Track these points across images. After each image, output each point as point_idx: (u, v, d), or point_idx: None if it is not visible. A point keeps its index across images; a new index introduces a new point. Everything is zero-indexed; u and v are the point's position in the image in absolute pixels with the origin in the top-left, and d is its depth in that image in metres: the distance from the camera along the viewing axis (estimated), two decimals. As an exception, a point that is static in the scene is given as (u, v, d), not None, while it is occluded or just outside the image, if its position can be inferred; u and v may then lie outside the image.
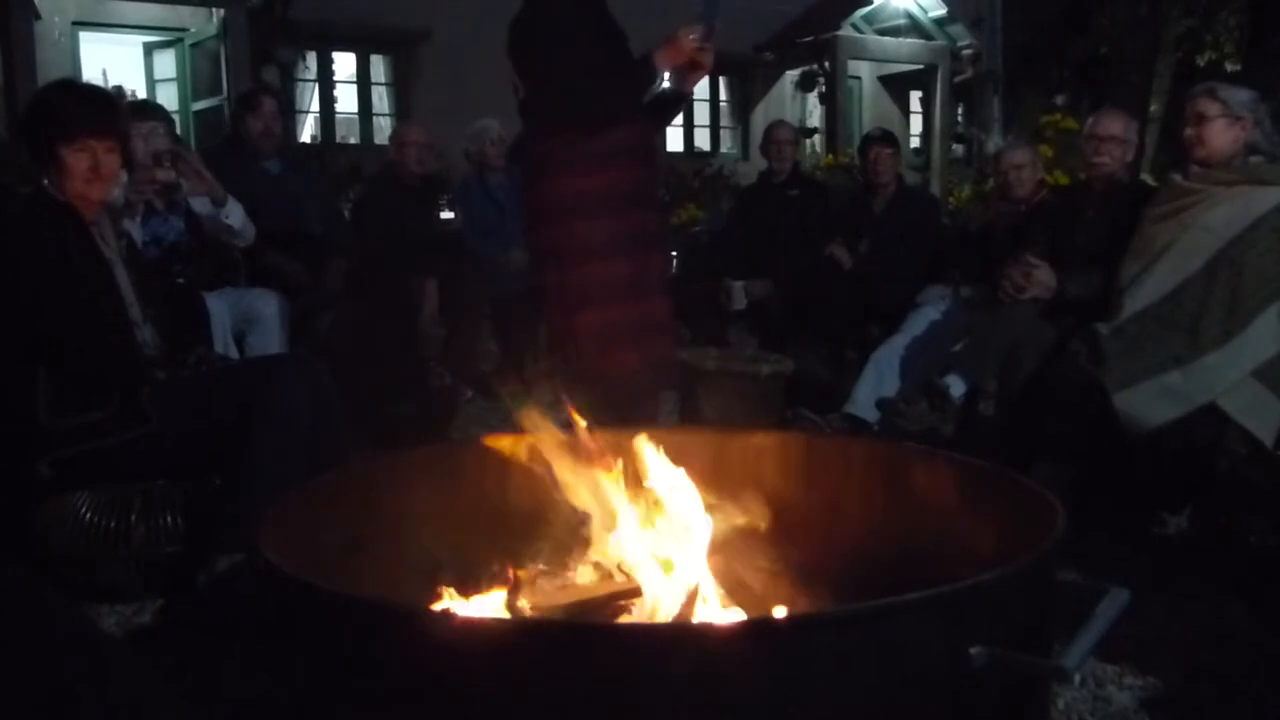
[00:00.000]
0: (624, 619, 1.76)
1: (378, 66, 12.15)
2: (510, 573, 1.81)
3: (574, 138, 3.08)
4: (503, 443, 2.21)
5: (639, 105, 3.13)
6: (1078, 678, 2.18)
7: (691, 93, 3.33)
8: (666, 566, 1.81)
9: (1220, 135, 3.15)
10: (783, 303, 5.30)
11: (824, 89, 13.82)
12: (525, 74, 3.13)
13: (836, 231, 5.26)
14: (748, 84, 14.29)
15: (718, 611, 1.76)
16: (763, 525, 1.97)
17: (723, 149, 14.18)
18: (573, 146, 3.08)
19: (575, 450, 1.98)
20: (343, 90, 11.98)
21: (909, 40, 14.42)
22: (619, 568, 1.90)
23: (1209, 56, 14.76)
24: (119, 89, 8.15)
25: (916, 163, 13.33)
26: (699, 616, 1.72)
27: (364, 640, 1.42)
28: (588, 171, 3.07)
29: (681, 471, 1.91)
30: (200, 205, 3.94)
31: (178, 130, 10.34)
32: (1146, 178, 6.55)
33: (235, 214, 3.99)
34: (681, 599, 1.74)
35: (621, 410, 2.87)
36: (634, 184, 3.14)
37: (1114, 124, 3.74)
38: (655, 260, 3.25)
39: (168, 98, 10.70)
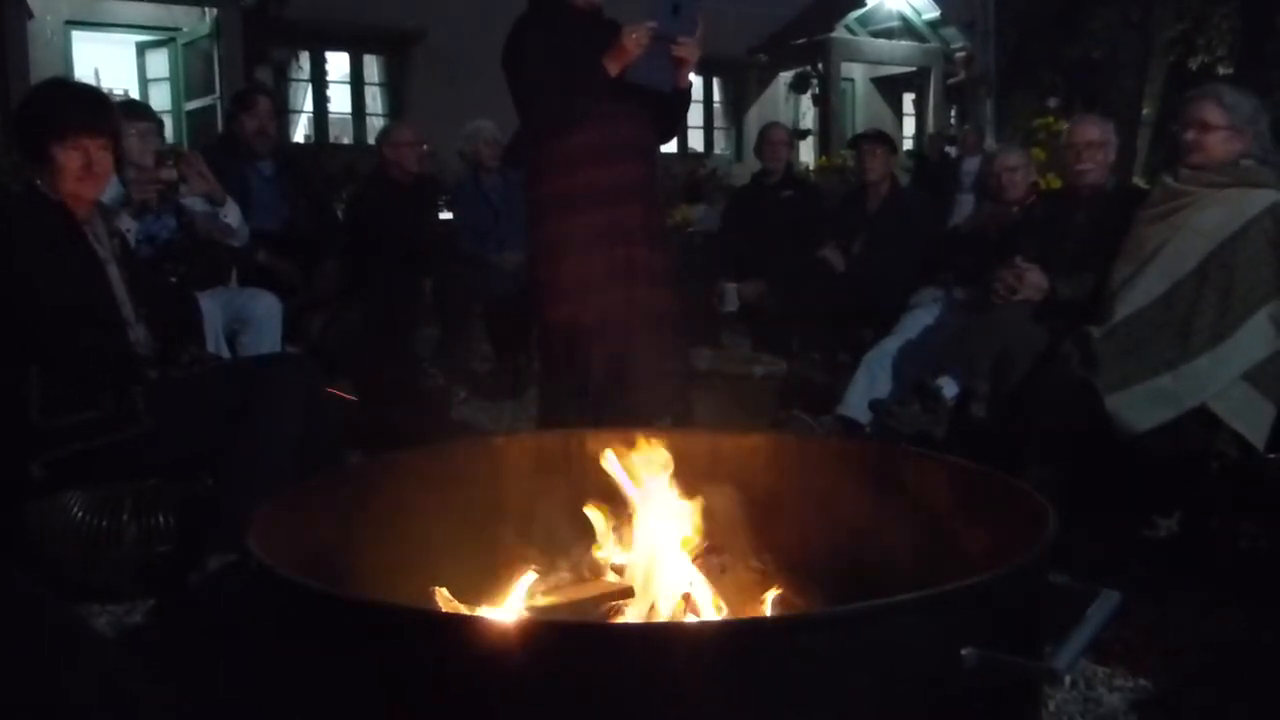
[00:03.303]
0: (617, 619, 1.76)
1: (371, 67, 12.14)
2: (504, 573, 1.82)
3: (541, 143, 3.29)
4: (495, 443, 2.22)
5: (600, 108, 3.16)
6: (1068, 679, 2.19)
7: (686, 87, 3.32)
8: (659, 567, 1.82)
9: (1221, 146, 3.13)
10: (776, 304, 5.31)
11: (817, 91, 13.85)
12: (511, 89, 3.32)
13: (830, 233, 5.27)
14: (741, 85, 14.31)
15: (710, 612, 1.76)
16: (755, 526, 1.98)
17: (716, 150, 14.20)
18: (541, 151, 3.29)
19: (572, 451, 1.98)
20: (336, 90, 11.98)
21: (902, 42, 14.46)
22: (612, 568, 1.90)
23: (1201, 60, 14.81)
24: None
25: (909, 165, 13.37)
26: (691, 617, 1.72)
27: (357, 641, 1.42)
28: (554, 173, 3.24)
29: (675, 472, 1.92)
30: (194, 203, 3.93)
31: (170, 130, 10.38)
32: (1139, 180, 6.58)
33: (233, 213, 3.99)
34: (674, 600, 1.74)
35: (594, 404, 2.93)
36: (602, 181, 3.20)
37: (1091, 130, 3.75)
38: (638, 254, 3.26)
39: (160, 97, 10.69)
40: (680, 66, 3.20)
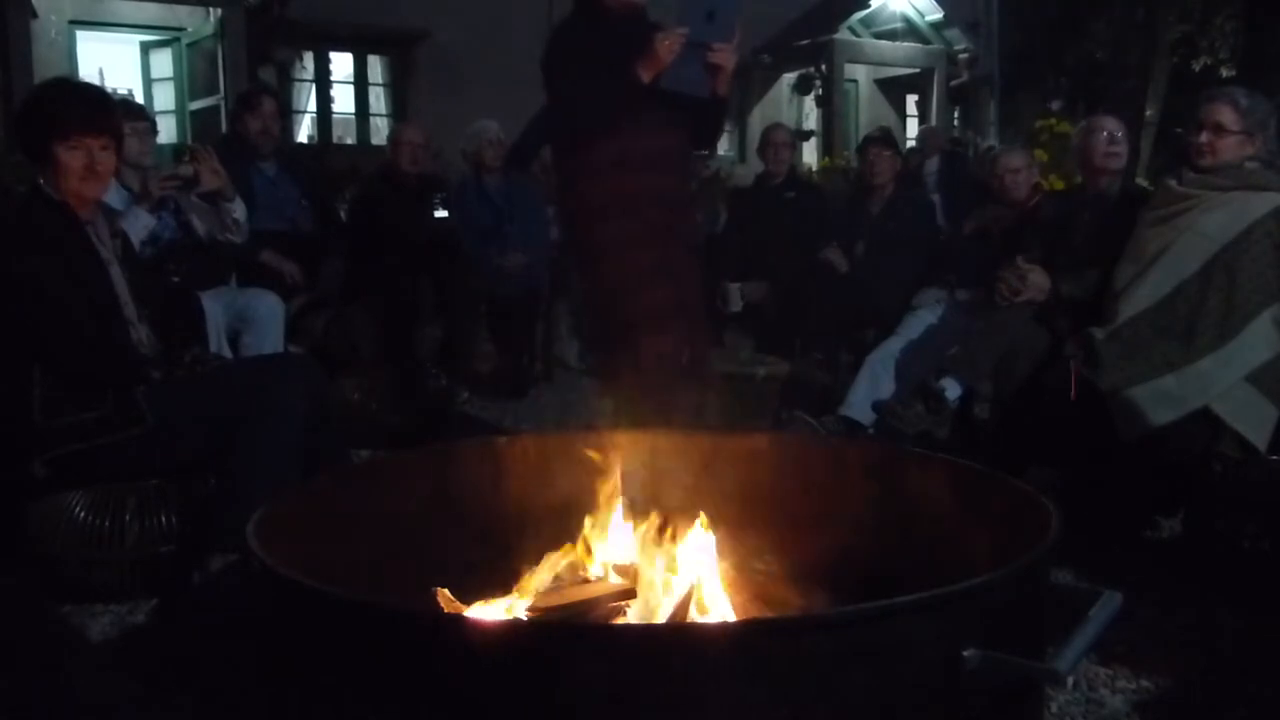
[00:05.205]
0: (619, 620, 1.76)
1: (375, 67, 12.15)
2: (505, 574, 1.82)
3: (574, 150, 3.26)
4: (498, 444, 2.22)
5: (633, 115, 3.13)
6: (1071, 680, 2.19)
7: (724, 93, 3.26)
8: (661, 568, 1.82)
9: (1233, 150, 3.11)
10: (779, 305, 5.31)
11: (820, 92, 13.85)
12: (547, 94, 3.33)
13: (833, 234, 5.27)
14: (745, 87, 14.30)
15: (712, 613, 1.76)
16: (757, 527, 1.97)
17: (719, 151, 14.19)
18: (574, 158, 3.27)
19: (574, 451, 1.98)
20: (340, 90, 11.98)
21: (905, 44, 14.46)
22: (614, 569, 1.90)
23: (1204, 61, 14.80)
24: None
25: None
26: (693, 618, 1.72)
27: (358, 641, 1.42)
28: (587, 180, 3.22)
29: (678, 472, 1.92)
30: (193, 202, 3.92)
31: (174, 130, 10.39)
32: (1142, 182, 6.57)
33: (240, 210, 3.99)
34: (676, 601, 1.74)
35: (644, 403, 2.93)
36: (634, 188, 3.17)
37: (1111, 121, 3.77)
38: (670, 260, 3.23)
39: (164, 97, 10.71)
40: (716, 73, 3.15)
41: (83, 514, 2.69)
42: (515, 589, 1.83)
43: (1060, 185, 6.65)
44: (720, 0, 3.06)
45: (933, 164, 8.09)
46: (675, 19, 3.09)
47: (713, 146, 3.57)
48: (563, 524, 2.00)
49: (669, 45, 3.04)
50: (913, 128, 15.56)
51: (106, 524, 2.69)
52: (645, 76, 3.08)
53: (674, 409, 2.97)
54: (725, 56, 3.12)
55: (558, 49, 3.25)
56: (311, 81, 11.61)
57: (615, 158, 3.16)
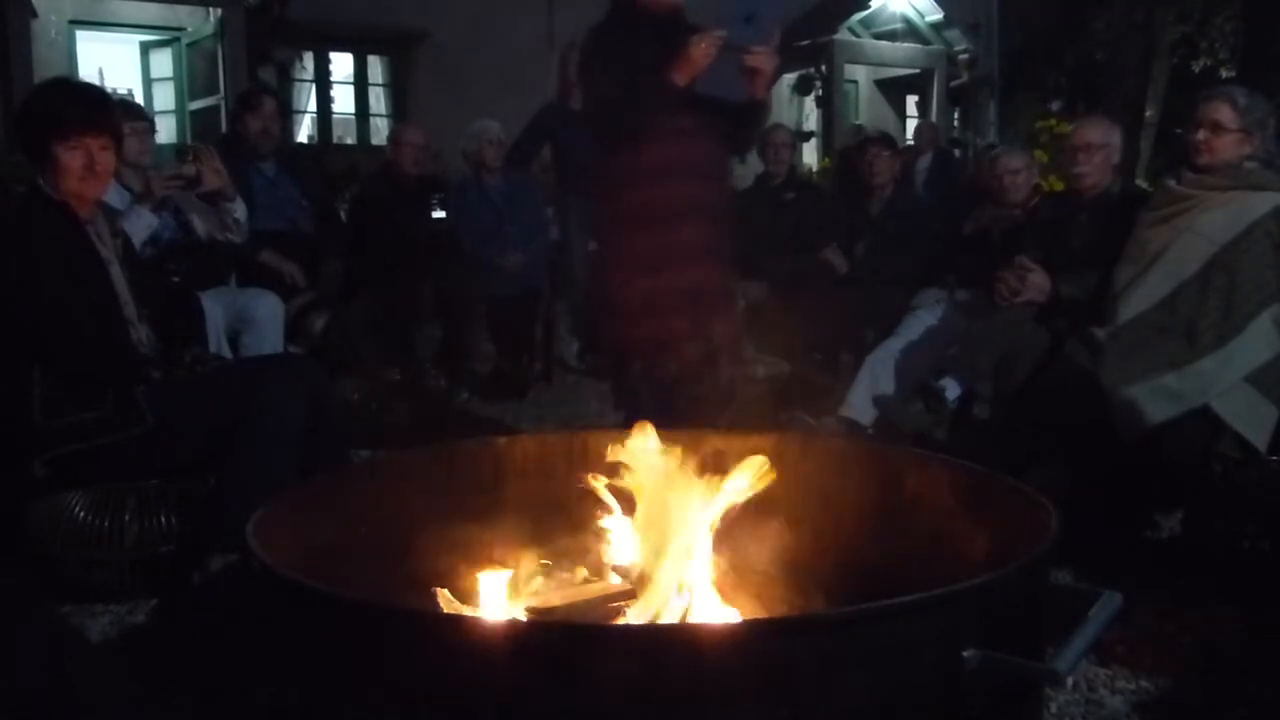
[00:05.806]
0: (618, 620, 1.76)
1: (375, 67, 12.14)
2: (505, 574, 1.82)
3: (607, 159, 3.18)
4: (498, 444, 2.22)
5: (667, 122, 3.03)
6: (1070, 681, 2.19)
7: (762, 98, 3.13)
8: (661, 568, 1.81)
9: (1231, 149, 3.11)
10: (779, 305, 5.30)
11: (820, 93, 13.84)
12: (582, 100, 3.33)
13: (832, 234, 5.26)
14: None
15: (712, 613, 1.76)
16: (757, 527, 1.97)
17: (719, 151, 14.17)
18: (607, 167, 3.18)
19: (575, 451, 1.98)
20: (340, 91, 11.98)
21: (905, 45, 14.45)
22: (614, 569, 1.90)
23: (1204, 62, 14.81)
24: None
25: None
26: (693, 618, 1.72)
27: (358, 641, 1.42)
28: (620, 190, 3.13)
29: (677, 473, 1.91)
30: (192, 202, 3.92)
31: (174, 130, 10.38)
32: (1142, 183, 6.58)
33: (240, 209, 3.98)
34: (676, 601, 1.74)
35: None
36: (668, 199, 3.08)
37: (1090, 132, 3.73)
38: (704, 273, 3.17)
39: (164, 97, 10.70)
40: (754, 76, 3.03)
41: (83, 514, 2.69)
42: (515, 589, 1.83)
43: (1060, 186, 6.65)
44: (760, 2, 2.98)
45: (925, 161, 8.08)
46: (713, 21, 3.01)
47: (748, 152, 3.42)
48: (563, 524, 2.01)
49: (705, 49, 2.92)
50: (913, 129, 15.58)
51: (106, 524, 2.69)
52: (680, 81, 2.96)
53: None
54: (764, 60, 3.00)
55: (592, 50, 3.15)
56: (311, 81, 11.60)
57: (649, 164, 3.05)
